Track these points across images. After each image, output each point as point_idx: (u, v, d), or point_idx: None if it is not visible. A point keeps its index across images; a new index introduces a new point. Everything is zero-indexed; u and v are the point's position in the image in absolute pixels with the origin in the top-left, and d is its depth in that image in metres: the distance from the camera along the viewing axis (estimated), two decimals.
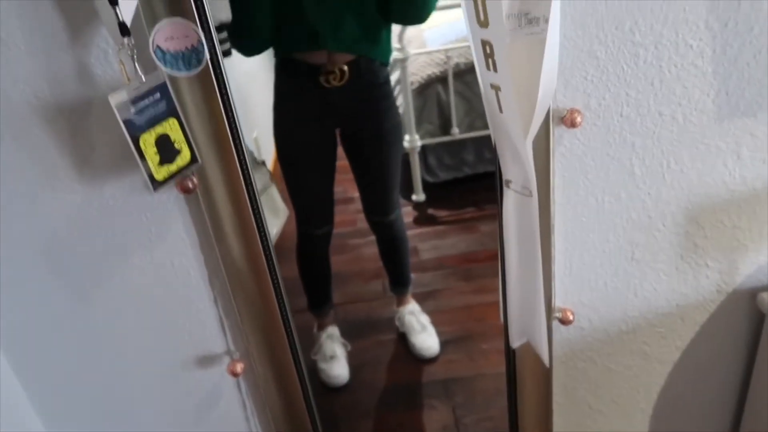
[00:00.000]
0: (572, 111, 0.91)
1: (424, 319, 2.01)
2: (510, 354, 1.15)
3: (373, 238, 1.93)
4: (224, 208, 0.93)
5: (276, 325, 1.05)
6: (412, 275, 2.05)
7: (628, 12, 0.86)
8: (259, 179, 1.85)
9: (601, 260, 1.07)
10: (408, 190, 2.71)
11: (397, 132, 1.62)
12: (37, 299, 1.03)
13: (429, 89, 2.59)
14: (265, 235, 0.97)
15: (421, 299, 2.10)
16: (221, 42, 1.40)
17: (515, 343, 1.09)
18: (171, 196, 0.95)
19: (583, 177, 0.99)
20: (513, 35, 0.83)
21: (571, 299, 1.11)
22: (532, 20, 0.83)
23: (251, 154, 2.00)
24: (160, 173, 0.85)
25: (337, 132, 1.57)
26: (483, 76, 0.85)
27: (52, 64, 0.86)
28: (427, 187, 2.76)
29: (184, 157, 0.88)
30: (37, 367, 1.11)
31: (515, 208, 0.94)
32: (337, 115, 1.49)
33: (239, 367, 1.06)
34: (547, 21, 0.80)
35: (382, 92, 1.49)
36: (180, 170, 0.88)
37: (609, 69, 0.90)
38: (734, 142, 0.97)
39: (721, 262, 1.09)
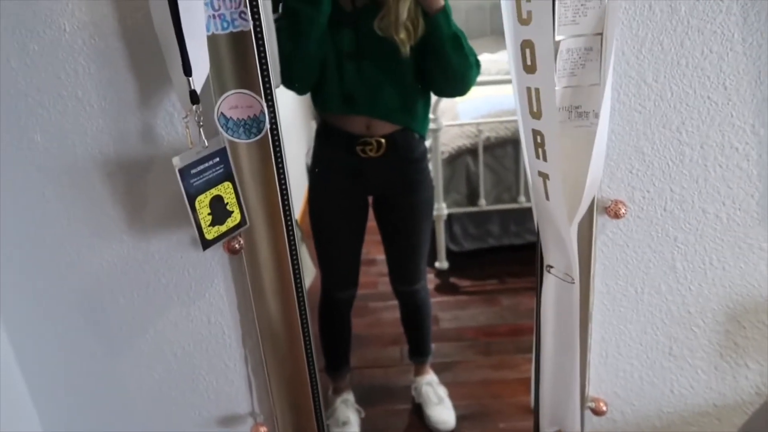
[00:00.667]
0: (616, 202, 0.93)
1: (442, 391, 1.96)
2: None
3: (393, 302, 1.92)
4: (266, 268, 0.95)
5: (304, 388, 1.04)
6: (432, 345, 2.03)
7: (676, 112, 0.88)
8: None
9: (637, 352, 1.06)
10: (432, 257, 2.71)
11: (430, 205, 1.64)
12: (69, 345, 1.05)
13: (458, 160, 2.63)
14: (302, 298, 0.98)
15: (438, 370, 2.05)
16: None
17: (546, 429, 1.07)
18: (216, 254, 0.97)
19: (623, 267, 0.99)
20: (563, 126, 0.86)
21: (605, 390, 1.09)
22: (581, 114, 0.86)
23: None
24: (211, 233, 0.88)
25: (370, 199, 1.60)
26: (532, 164, 0.88)
27: (120, 123, 0.90)
28: (450, 255, 2.76)
29: (235, 218, 0.91)
30: (62, 412, 1.11)
31: (555, 294, 0.94)
32: (371, 184, 1.52)
33: (263, 430, 1.05)
34: (597, 116, 0.83)
35: (418, 167, 1.52)
36: (229, 231, 0.90)
37: (654, 164, 0.92)
38: None
39: (762, 365, 1.06)
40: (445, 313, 2.50)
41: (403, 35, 1.26)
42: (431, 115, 2.40)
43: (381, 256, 1.79)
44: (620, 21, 0.84)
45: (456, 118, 2.64)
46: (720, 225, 0.96)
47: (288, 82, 1.37)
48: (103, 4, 0.84)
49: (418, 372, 1.99)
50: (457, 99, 2.89)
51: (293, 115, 3.15)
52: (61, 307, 1.02)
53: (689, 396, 1.09)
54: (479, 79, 1.56)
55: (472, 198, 2.64)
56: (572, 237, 0.86)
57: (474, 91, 1.90)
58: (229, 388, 1.07)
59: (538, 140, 0.84)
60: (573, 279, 0.89)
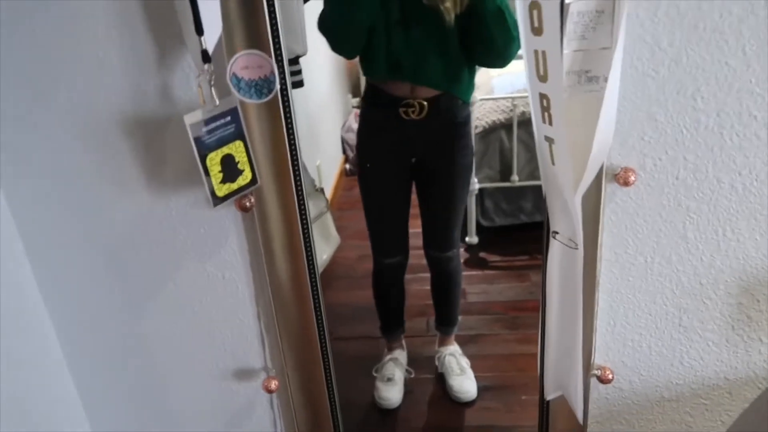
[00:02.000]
0: (626, 169, 0.91)
1: (464, 362, 1.99)
2: (544, 406, 1.13)
3: (423, 275, 1.95)
4: (276, 229, 0.98)
5: (313, 347, 1.08)
6: (459, 317, 2.05)
7: (691, 78, 0.86)
8: (315, 206, 1.91)
9: (646, 322, 1.05)
10: (462, 231, 2.72)
11: (468, 172, 1.66)
12: (93, 298, 1.11)
13: (492, 135, 2.61)
14: (312, 259, 1.01)
15: (463, 342, 2.08)
16: (294, 73, 1.48)
17: (550, 395, 1.08)
18: (229, 213, 1.01)
19: (633, 236, 0.98)
20: (572, 91, 0.85)
21: (612, 358, 1.09)
22: (591, 78, 0.85)
23: (312, 180, 2.07)
24: (222, 190, 0.91)
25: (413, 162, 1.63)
26: (538, 128, 0.87)
27: (139, 83, 0.94)
28: (481, 230, 2.75)
29: (246, 177, 0.94)
30: (87, 360, 1.18)
31: (560, 260, 0.95)
32: (413, 147, 1.54)
33: (274, 384, 1.09)
34: (606, 80, 0.82)
35: (460, 132, 1.54)
36: (240, 189, 0.93)
37: (668, 132, 0.90)
38: None
39: None
40: (473, 287, 2.51)
41: (448, 4, 1.28)
42: None
43: (414, 229, 1.81)
44: None
45: (491, 92, 2.61)
46: (735, 195, 0.93)
47: (337, 46, 1.40)
48: None
49: (442, 342, 2.02)
50: (493, 73, 2.85)
51: (330, 88, 3.17)
52: (86, 260, 1.08)
53: (699, 368, 1.08)
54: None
55: (505, 173, 2.62)
56: (577, 203, 0.86)
57: (509, 66, 1.88)
58: (243, 343, 1.12)
59: (545, 104, 0.83)
60: (576, 245, 0.88)
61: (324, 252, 2.01)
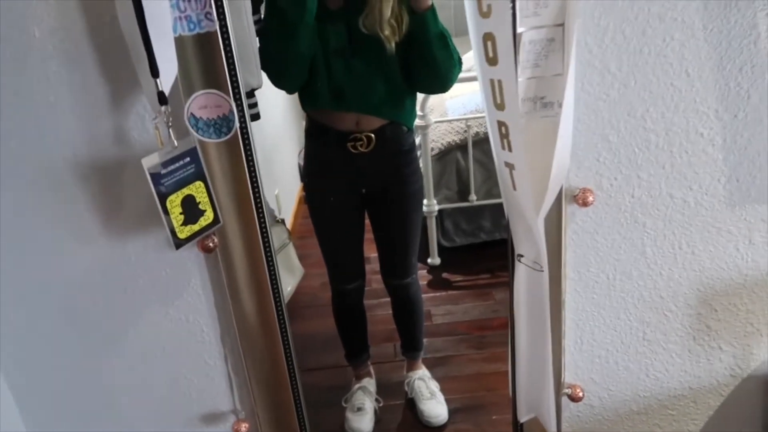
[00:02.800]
0: (584, 190, 0.94)
1: (434, 385, 1.98)
2: (517, 428, 1.13)
3: (386, 299, 1.94)
4: (241, 267, 0.96)
5: (283, 385, 1.06)
6: (425, 340, 2.04)
7: (640, 100, 0.90)
8: (277, 237, 1.89)
9: (612, 338, 1.07)
10: (424, 253, 2.72)
11: (419, 197, 1.67)
12: (52, 348, 1.06)
13: (449, 156, 2.64)
14: (278, 294, 0.99)
15: (431, 365, 2.07)
16: (251, 106, 1.46)
17: (523, 417, 1.08)
18: (191, 254, 0.98)
19: (594, 254, 1.00)
20: (528, 117, 0.87)
21: (582, 376, 1.10)
22: (546, 104, 0.87)
23: (272, 212, 2.04)
24: (183, 232, 0.89)
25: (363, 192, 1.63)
26: (498, 155, 0.89)
27: (93, 127, 0.91)
28: (442, 251, 2.77)
29: (207, 217, 0.92)
30: (45, 415, 1.12)
31: (526, 282, 0.96)
32: (362, 179, 1.54)
33: (244, 427, 1.06)
34: (561, 105, 0.85)
35: (407, 159, 1.55)
36: (202, 230, 0.91)
37: (621, 152, 0.93)
38: (746, 228, 0.98)
39: (735, 347, 1.08)
40: (438, 308, 2.51)
41: (387, 32, 1.28)
42: (420, 112, 2.42)
43: (374, 254, 1.81)
44: (581, 11, 0.85)
45: (444, 115, 2.65)
46: (688, 210, 0.97)
47: (277, 81, 1.39)
48: (71, 8, 0.85)
49: (411, 367, 2.00)
50: (446, 95, 2.89)
51: (284, 115, 3.15)
52: (43, 310, 1.03)
53: (664, 379, 1.11)
54: (467, 75, 1.57)
55: (463, 193, 2.65)
56: (539, 226, 0.87)
57: (461, 87, 1.90)
58: (210, 386, 1.08)
59: (503, 131, 0.85)
60: (542, 267, 0.90)
61: (288, 284, 1.99)
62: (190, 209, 0.90)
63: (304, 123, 1.57)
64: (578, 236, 0.99)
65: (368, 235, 1.76)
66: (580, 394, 1.09)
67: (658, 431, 1.16)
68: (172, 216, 0.87)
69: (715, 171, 0.94)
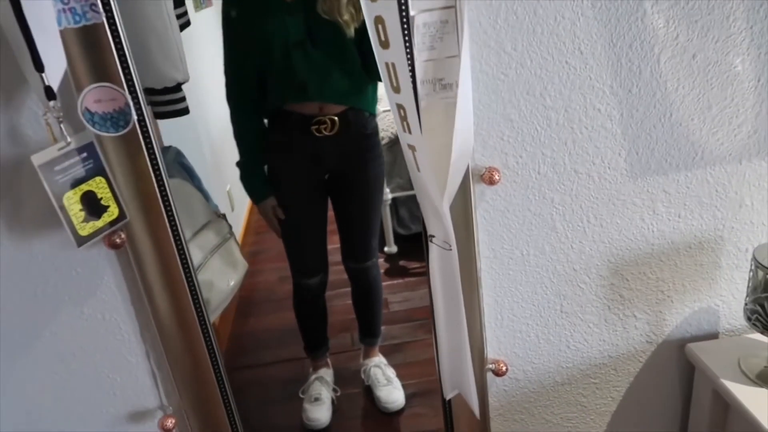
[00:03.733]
0: (490, 169, 0.95)
1: (390, 372, 2.00)
2: (446, 406, 1.15)
3: (344, 290, 1.94)
4: (151, 263, 0.95)
5: (208, 379, 1.05)
6: (382, 327, 2.06)
7: (537, 78, 0.91)
8: (218, 233, 1.86)
9: (531, 312, 1.10)
10: (380, 242, 2.73)
11: (381, 180, 1.70)
12: None
13: (398, 145, 2.63)
14: (195, 290, 0.98)
15: (388, 352, 2.07)
16: (176, 101, 1.44)
17: (448, 394, 1.10)
18: (101, 251, 0.96)
19: (506, 231, 1.02)
20: (428, 99, 0.88)
21: (505, 351, 1.13)
22: (445, 86, 0.88)
23: (214, 207, 2.01)
24: (85, 229, 0.87)
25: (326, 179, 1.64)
26: (401, 138, 0.89)
27: None
28: (398, 239, 2.78)
29: (112, 213, 0.90)
30: None
31: (439, 262, 0.97)
32: (326, 163, 1.55)
33: (171, 422, 1.06)
34: (457, 86, 0.85)
35: (370, 142, 1.57)
36: (107, 226, 0.90)
37: (524, 130, 0.95)
38: (649, 199, 1.01)
39: (649, 314, 1.12)
40: (396, 296, 2.52)
41: (347, 17, 1.29)
42: None
43: (333, 245, 1.81)
44: None
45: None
46: (593, 184, 1.00)
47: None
48: None
49: (367, 354, 2.02)
50: None
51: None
52: None
53: (584, 350, 1.14)
54: None
55: None
56: (445, 206, 0.88)
57: None
58: (134, 384, 1.07)
59: (402, 114, 0.86)
60: (450, 246, 0.91)
61: (231, 279, 1.97)
62: (92, 205, 0.88)
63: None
64: (489, 215, 1.01)
65: (330, 226, 1.76)
66: (504, 369, 1.11)
67: (582, 400, 1.19)
68: (71, 213, 0.85)
69: (615, 145, 0.97)
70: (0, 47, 0.83)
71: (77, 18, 0.82)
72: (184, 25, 1.53)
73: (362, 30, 1.30)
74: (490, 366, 1.11)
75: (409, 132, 0.86)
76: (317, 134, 1.45)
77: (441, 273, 0.98)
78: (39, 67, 0.78)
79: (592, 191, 1.00)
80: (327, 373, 1.93)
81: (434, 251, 0.97)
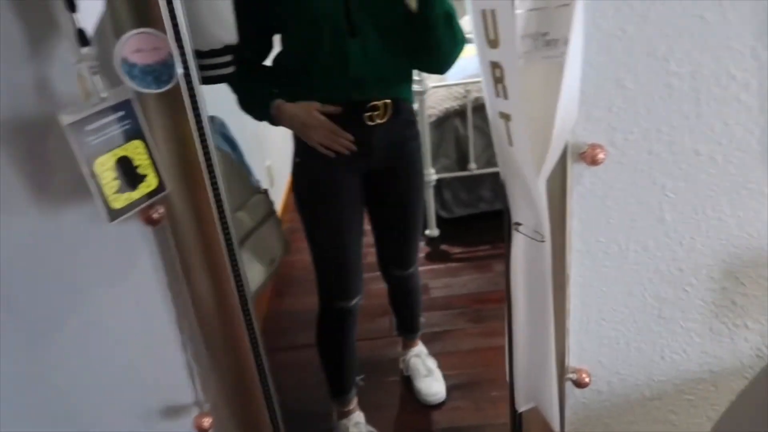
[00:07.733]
0: (594, 146, 0.81)
1: (431, 362, 1.90)
2: (516, 417, 1.02)
3: (378, 273, 1.83)
4: (192, 242, 0.83)
5: (250, 374, 0.94)
6: (422, 318, 1.94)
7: (662, 36, 0.76)
8: (259, 209, 1.75)
9: (623, 316, 0.96)
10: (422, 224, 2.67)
11: (422, 176, 1.55)
12: None
13: (447, 123, 2.55)
14: (239, 273, 0.86)
15: (428, 340, 1.99)
16: (223, 65, 1.33)
17: (522, 407, 0.97)
18: (136, 227, 0.85)
19: (604, 221, 0.88)
20: (528, 58, 0.74)
21: (588, 359, 0.99)
22: (550, 42, 0.73)
23: (256, 182, 1.92)
24: (119, 201, 0.75)
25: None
26: (492, 104, 0.75)
27: (11, 78, 0.76)
28: (441, 222, 2.70)
29: (149, 184, 0.78)
30: None
31: (525, 254, 0.83)
32: (372, 155, 1.37)
33: (207, 422, 0.95)
34: (567, 43, 0.70)
35: (413, 132, 1.45)
36: (144, 198, 0.78)
37: (638, 100, 0.80)
38: None
39: (763, 324, 0.96)
40: (436, 281, 2.45)
41: None
42: (416, 77, 2.30)
43: (367, 225, 1.70)
44: None
45: (443, 79, 2.53)
46: (715, 168, 0.84)
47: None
48: None
49: (407, 345, 1.93)
50: None
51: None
52: None
53: (682, 362, 1.00)
54: (466, 37, 1.47)
55: (462, 162, 2.56)
56: (540, 188, 0.74)
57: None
58: (168, 376, 0.96)
59: (497, 74, 0.71)
60: (543, 237, 0.77)
61: (272, 258, 1.88)
62: (128, 174, 0.76)
63: None
64: (586, 200, 0.86)
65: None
66: (586, 380, 0.98)
67: (673, 418, 1.05)
68: (103, 182, 0.73)
69: (748, 122, 0.81)
70: None
71: None
72: None
73: (403, 19, 1.19)
74: (571, 375, 0.98)
75: (505, 97, 0.71)
76: (369, 123, 1.31)
77: (527, 268, 0.84)
78: (72, 6, 0.67)
79: (714, 177, 0.85)
80: (361, 417, 1.71)
81: (519, 242, 0.83)
